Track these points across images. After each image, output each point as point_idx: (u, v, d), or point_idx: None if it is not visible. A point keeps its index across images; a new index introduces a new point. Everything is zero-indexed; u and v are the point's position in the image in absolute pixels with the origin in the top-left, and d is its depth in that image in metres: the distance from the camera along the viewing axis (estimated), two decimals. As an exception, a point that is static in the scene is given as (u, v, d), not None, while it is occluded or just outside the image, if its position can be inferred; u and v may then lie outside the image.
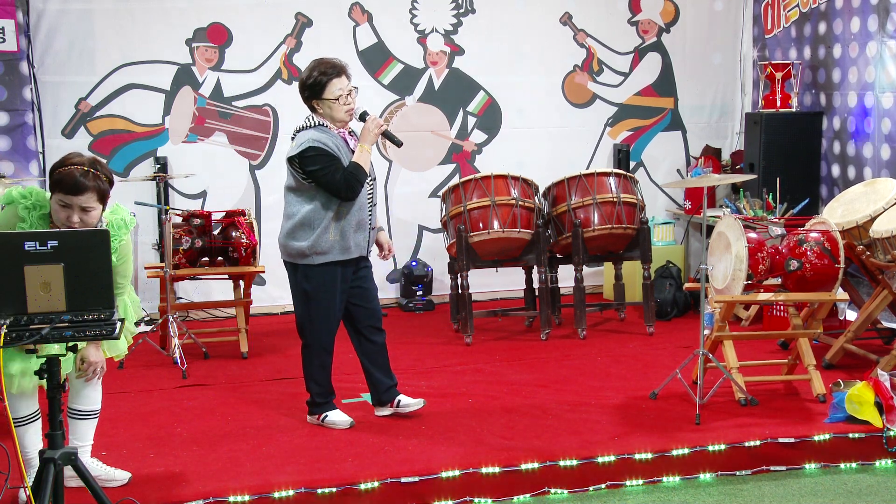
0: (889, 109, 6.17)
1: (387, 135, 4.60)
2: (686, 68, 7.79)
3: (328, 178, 4.39)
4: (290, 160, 4.46)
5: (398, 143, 4.68)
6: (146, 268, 6.24)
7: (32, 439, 3.80)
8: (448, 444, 4.42)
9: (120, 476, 4.02)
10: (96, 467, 4.00)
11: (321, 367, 4.69)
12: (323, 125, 4.50)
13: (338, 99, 4.45)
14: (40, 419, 3.81)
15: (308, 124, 4.51)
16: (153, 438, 4.57)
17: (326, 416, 4.69)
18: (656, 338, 6.31)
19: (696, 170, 7.60)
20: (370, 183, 4.61)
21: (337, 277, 4.56)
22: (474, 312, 6.42)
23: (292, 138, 4.58)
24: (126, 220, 3.79)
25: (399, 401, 4.80)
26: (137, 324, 4.18)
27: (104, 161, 3.62)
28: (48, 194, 3.63)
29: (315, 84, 4.46)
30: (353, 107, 4.51)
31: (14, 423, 3.77)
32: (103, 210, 3.62)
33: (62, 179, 3.49)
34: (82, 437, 3.98)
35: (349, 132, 4.61)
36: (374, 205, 4.70)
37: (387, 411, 4.82)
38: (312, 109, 4.54)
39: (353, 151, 4.53)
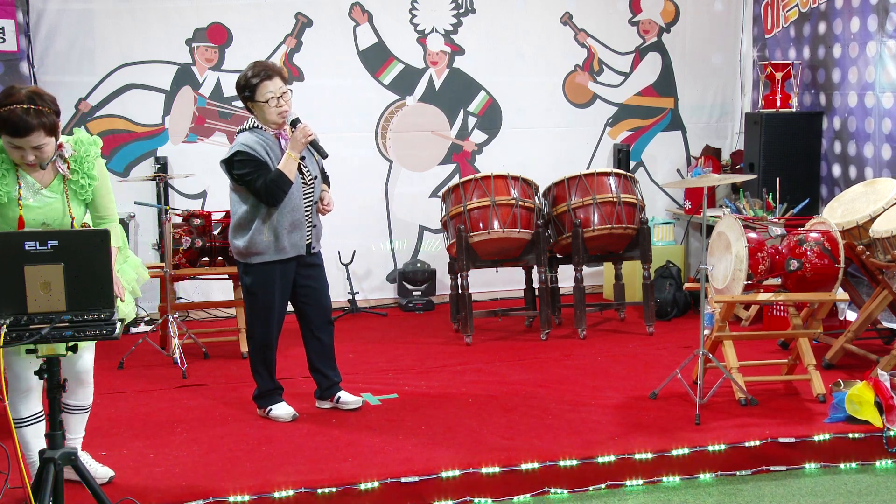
0: (889, 109, 6.16)
1: (314, 145, 4.61)
2: (686, 68, 7.79)
3: (251, 184, 4.48)
4: (223, 162, 4.56)
5: (324, 156, 4.67)
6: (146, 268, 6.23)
7: (34, 442, 3.78)
8: (448, 444, 4.42)
9: (102, 473, 4.00)
10: (85, 458, 3.99)
11: (263, 362, 4.81)
12: (259, 127, 4.57)
13: (268, 101, 4.51)
14: (43, 423, 3.79)
15: (246, 126, 4.61)
16: (153, 438, 4.57)
17: (271, 409, 4.79)
18: (656, 338, 6.31)
19: (696, 170, 7.60)
20: (309, 183, 4.65)
21: (275, 275, 4.63)
22: (474, 312, 6.41)
23: (236, 136, 4.66)
24: (94, 140, 3.73)
25: (339, 397, 4.93)
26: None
27: (43, 91, 3.52)
28: None
29: (245, 86, 4.54)
30: (285, 109, 4.55)
31: (14, 423, 3.77)
32: (56, 139, 3.55)
33: (6, 121, 3.40)
34: (73, 430, 3.98)
35: (291, 131, 4.62)
36: (314, 203, 4.71)
37: (327, 405, 4.94)
38: (249, 111, 4.62)
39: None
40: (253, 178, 4.47)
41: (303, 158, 4.61)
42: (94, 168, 3.69)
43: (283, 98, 4.52)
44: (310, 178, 4.67)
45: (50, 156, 3.54)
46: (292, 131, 4.60)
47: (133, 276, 4.07)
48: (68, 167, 3.64)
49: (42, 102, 3.45)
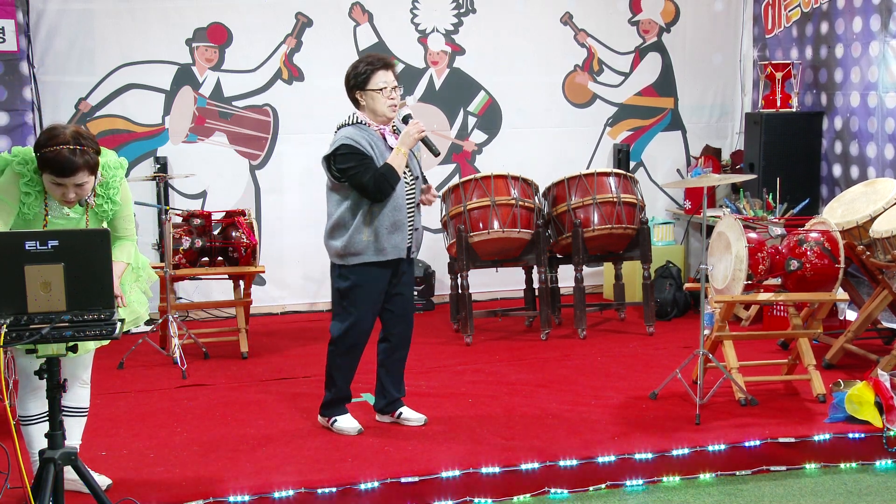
0: (892, 109, 6.16)
1: (426, 141, 4.48)
2: (686, 68, 7.79)
3: (357, 178, 4.31)
4: (325, 158, 4.39)
5: (436, 153, 4.57)
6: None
7: (39, 440, 3.76)
8: (448, 444, 4.42)
9: (100, 482, 3.93)
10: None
11: (344, 368, 4.59)
12: (362, 122, 4.43)
13: (381, 90, 4.37)
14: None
15: (348, 122, 4.45)
16: (153, 438, 4.57)
17: (336, 420, 4.62)
18: (656, 338, 6.31)
19: (696, 170, 7.60)
20: (411, 183, 4.51)
21: (372, 278, 4.46)
22: (474, 312, 6.41)
23: (335, 134, 4.49)
24: (120, 162, 3.82)
25: (401, 413, 4.74)
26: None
27: (85, 129, 3.64)
28: (30, 149, 3.64)
29: (360, 74, 4.39)
30: (396, 103, 4.42)
31: (22, 421, 3.76)
32: (96, 177, 3.64)
33: (51, 161, 3.49)
34: (70, 434, 3.96)
35: (393, 129, 4.52)
36: (416, 204, 4.57)
37: (387, 419, 4.75)
38: (355, 102, 4.47)
39: (391, 150, 4.43)
40: (359, 171, 4.29)
41: None
42: (118, 193, 3.78)
43: (395, 90, 4.41)
44: (412, 178, 4.53)
45: (89, 193, 3.65)
46: (394, 129, 4.49)
47: (144, 276, 4.09)
48: (94, 194, 3.72)
49: (85, 142, 3.55)
